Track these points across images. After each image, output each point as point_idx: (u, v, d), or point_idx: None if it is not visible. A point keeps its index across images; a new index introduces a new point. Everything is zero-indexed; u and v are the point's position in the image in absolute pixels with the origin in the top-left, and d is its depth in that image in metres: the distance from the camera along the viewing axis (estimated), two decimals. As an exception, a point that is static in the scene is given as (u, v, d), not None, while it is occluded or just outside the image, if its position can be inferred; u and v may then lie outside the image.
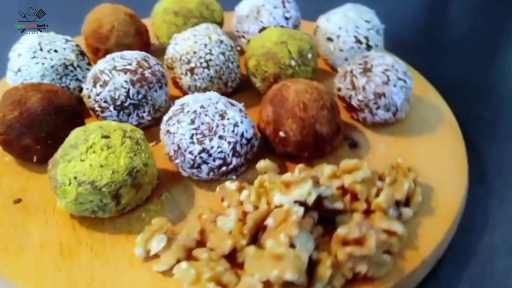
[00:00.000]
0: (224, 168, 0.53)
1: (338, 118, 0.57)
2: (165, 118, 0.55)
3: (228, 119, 0.53)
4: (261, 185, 0.48)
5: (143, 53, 0.62)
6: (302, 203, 0.44)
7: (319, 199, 0.45)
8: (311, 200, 0.44)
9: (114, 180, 0.47)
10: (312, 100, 0.55)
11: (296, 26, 0.76)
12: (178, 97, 0.58)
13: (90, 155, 0.47)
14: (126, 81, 0.57)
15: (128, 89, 0.57)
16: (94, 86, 0.58)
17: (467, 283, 0.50)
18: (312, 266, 0.42)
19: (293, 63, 0.63)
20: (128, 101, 0.58)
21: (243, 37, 0.76)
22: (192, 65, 0.63)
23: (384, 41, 0.73)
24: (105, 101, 0.58)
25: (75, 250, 0.48)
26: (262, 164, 0.54)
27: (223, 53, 0.64)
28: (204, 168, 0.52)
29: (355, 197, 0.48)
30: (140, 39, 0.74)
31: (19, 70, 0.62)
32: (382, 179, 0.51)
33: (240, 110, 0.55)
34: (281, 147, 0.56)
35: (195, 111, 0.53)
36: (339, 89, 0.63)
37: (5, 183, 0.55)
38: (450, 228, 0.50)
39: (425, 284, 0.49)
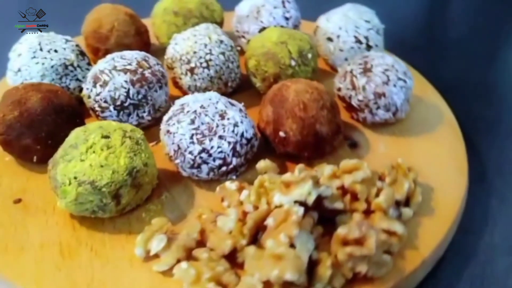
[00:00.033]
0: (224, 168, 0.53)
1: (338, 118, 0.57)
2: (165, 118, 0.55)
3: (228, 119, 0.53)
4: (261, 185, 0.48)
5: (143, 53, 0.62)
6: (302, 203, 0.44)
7: (319, 199, 0.45)
8: (311, 200, 0.44)
9: (114, 180, 0.47)
10: (312, 100, 0.55)
11: (296, 26, 0.76)
12: (178, 97, 0.58)
13: (90, 155, 0.47)
14: (126, 81, 0.57)
15: (128, 89, 0.57)
16: (94, 86, 0.58)
17: (467, 283, 0.50)
18: (312, 266, 0.42)
19: (293, 63, 0.63)
20: (128, 101, 0.58)
21: (243, 37, 0.76)
22: (192, 65, 0.63)
23: (384, 41, 0.73)
24: (105, 101, 0.58)
25: (75, 250, 0.47)
26: (262, 164, 0.54)
27: (223, 53, 0.64)
28: (204, 168, 0.52)
29: (355, 197, 0.48)
30: (140, 39, 0.74)
31: (19, 70, 0.62)
32: (382, 179, 0.51)
33: (240, 110, 0.55)
34: (281, 147, 0.56)
35: (195, 111, 0.53)
36: (339, 89, 0.63)
37: (5, 183, 0.55)
38: (450, 228, 0.50)
39: (425, 284, 0.49)
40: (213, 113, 0.53)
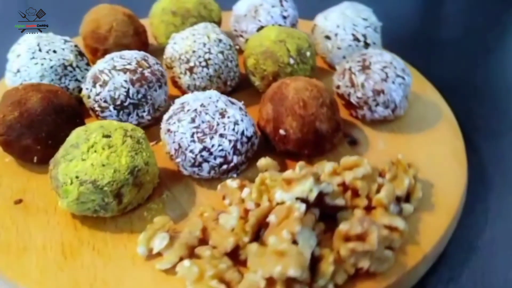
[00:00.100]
0: (225, 166, 0.53)
1: (337, 116, 0.57)
2: (165, 117, 0.55)
3: (228, 117, 0.53)
4: (262, 183, 0.48)
5: (142, 53, 0.62)
6: (303, 200, 0.44)
7: (320, 195, 0.46)
8: (312, 196, 0.44)
9: (115, 179, 0.47)
10: (311, 98, 0.55)
11: (293, 25, 0.76)
12: (177, 97, 0.58)
13: (91, 155, 0.47)
14: (125, 81, 0.57)
15: (128, 89, 0.57)
16: (94, 86, 0.58)
17: (468, 277, 0.50)
18: (314, 262, 0.43)
19: (291, 61, 0.63)
20: (128, 100, 0.58)
21: (241, 36, 0.77)
22: (191, 64, 0.63)
23: (381, 39, 0.73)
24: (105, 101, 0.58)
25: (77, 249, 0.48)
26: (263, 162, 0.54)
27: (222, 52, 0.64)
28: (205, 166, 0.52)
29: (356, 194, 0.48)
30: (138, 39, 0.74)
31: (18, 71, 0.62)
32: (383, 175, 0.52)
33: (240, 109, 0.55)
34: (281, 145, 0.56)
35: (195, 110, 0.53)
36: (338, 87, 0.63)
37: (5, 184, 0.55)
38: (451, 224, 0.51)
39: (426, 279, 0.49)
40: (214, 111, 0.53)
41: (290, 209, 0.43)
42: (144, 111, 0.60)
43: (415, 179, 0.52)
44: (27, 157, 0.55)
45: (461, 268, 0.51)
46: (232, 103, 0.56)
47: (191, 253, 0.46)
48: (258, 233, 0.46)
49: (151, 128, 0.61)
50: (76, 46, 0.67)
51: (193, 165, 0.53)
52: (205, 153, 0.52)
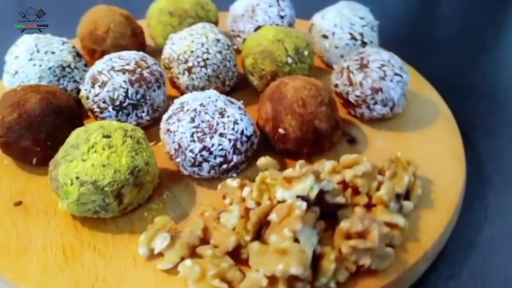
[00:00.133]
0: (225, 166, 0.53)
1: (336, 114, 0.58)
2: (165, 117, 0.55)
3: (228, 116, 0.53)
4: (262, 182, 0.48)
5: (141, 53, 0.62)
6: (304, 198, 0.44)
7: (321, 194, 0.46)
8: (313, 194, 0.44)
9: (116, 179, 0.47)
10: (310, 97, 0.55)
11: (291, 25, 0.77)
12: (175, 97, 0.58)
13: (91, 155, 0.47)
14: (124, 81, 0.57)
15: (127, 89, 0.57)
16: (93, 86, 0.58)
17: (468, 274, 0.50)
18: (316, 260, 0.43)
19: (289, 60, 0.64)
20: (127, 101, 0.58)
21: (239, 36, 0.77)
22: (190, 64, 0.63)
23: (378, 37, 0.73)
24: (104, 102, 0.58)
25: (78, 251, 0.47)
26: (263, 160, 0.54)
27: (220, 52, 0.64)
28: (205, 166, 0.52)
29: (356, 191, 0.49)
30: (136, 40, 0.74)
31: (16, 72, 0.62)
32: (382, 173, 0.52)
33: (239, 108, 0.55)
34: (280, 144, 0.56)
35: (195, 109, 0.53)
36: (336, 86, 0.64)
37: (4, 186, 0.55)
38: (451, 220, 0.51)
39: (426, 277, 0.49)
40: (213, 111, 0.53)
41: (291, 207, 0.43)
42: (143, 112, 0.60)
43: (415, 177, 0.52)
44: (26, 158, 0.55)
45: (461, 265, 0.51)
46: (232, 102, 0.56)
47: (193, 253, 0.46)
48: (259, 232, 0.46)
49: (150, 128, 0.61)
50: (74, 47, 0.67)
51: (193, 165, 0.53)
52: (205, 153, 0.52)
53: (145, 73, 0.59)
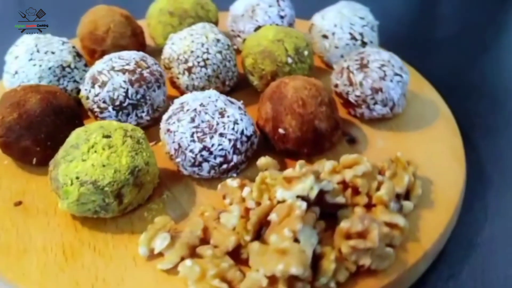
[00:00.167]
0: (225, 166, 0.53)
1: (336, 114, 0.58)
2: (165, 117, 0.55)
3: (228, 116, 0.53)
4: (262, 182, 0.48)
5: (141, 53, 0.62)
6: (304, 198, 0.44)
7: (321, 194, 0.46)
8: (313, 194, 0.44)
9: (116, 179, 0.47)
10: (310, 97, 0.55)
11: (290, 25, 0.77)
12: (175, 97, 0.58)
13: (91, 155, 0.47)
14: (124, 81, 0.57)
15: (127, 89, 0.57)
16: (93, 86, 0.58)
17: (468, 274, 0.50)
18: (316, 260, 0.43)
19: (289, 60, 0.64)
20: (127, 101, 0.58)
21: (238, 36, 0.77)
22: (190, 64, 0.63)
23: (378, 37, 0.73)
24: (104, 102, 0.58)
25: (78, 251, 0.47)
26: (263, 160, 0.54)
27: (220, 52, 0.64)
28: (205, 166, 0.52)
29: (356, 191, 0.49)
30: (136, 40, 0.74)
31: (16, 72, 0.62)
32: (382, 173, 0.52)
33: (239, 108, 0.55)
34: (280, 144, 0.56)
35: (195, 109, 0.53)
36: (336, 86, 0.64)
37: (4, 186, 0.55)
38: (451, 220, 0.51)
39: (426, 277, 0.49)
40: (213, 111, 0.53)
41: (291, 207, 0.43)
42: (143, 112, 0.60)
43: (415, 177, 0.52)
44: (26, 158, 0.55)
45: (461, 265, 0.51)
46: (231, 102, 0.56)
47: (193, 253, 0.46)
48: (259, 232, 0.46)
49: (150, 128, 0.61)
50: (74, 47, 0.67)
51: (193, 165, 0.53)
52: (205, 153, 0.52)
53: (145, 73, 0.59)
